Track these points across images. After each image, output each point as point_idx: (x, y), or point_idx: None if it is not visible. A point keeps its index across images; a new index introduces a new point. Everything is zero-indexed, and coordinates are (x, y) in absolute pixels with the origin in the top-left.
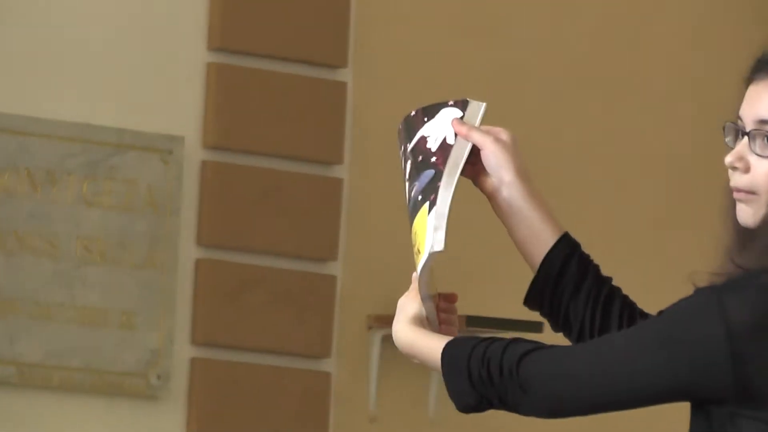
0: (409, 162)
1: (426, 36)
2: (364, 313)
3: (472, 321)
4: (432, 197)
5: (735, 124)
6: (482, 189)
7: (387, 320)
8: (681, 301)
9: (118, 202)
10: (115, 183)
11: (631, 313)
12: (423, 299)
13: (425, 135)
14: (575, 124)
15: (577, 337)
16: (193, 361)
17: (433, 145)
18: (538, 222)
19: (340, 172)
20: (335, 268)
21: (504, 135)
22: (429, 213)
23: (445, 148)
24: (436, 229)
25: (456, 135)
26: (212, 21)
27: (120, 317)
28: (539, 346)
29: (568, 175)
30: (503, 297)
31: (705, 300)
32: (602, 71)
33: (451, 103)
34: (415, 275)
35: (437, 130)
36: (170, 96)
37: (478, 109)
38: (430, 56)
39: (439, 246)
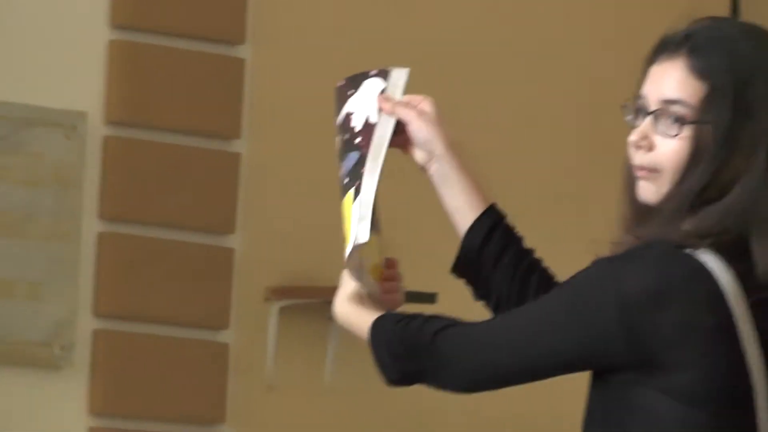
0: (338, 138)
1: (323, 12)
2: (262, 284)
3: None
4: (357, 183)
5: (637, 102)
6: (413, 158)
7: (284, 292)
8: (580, 272)
9: (24, 176)
10: (20, 157)
11: (547, 285)
12: (356, 280)
13: (350, 111)
14: (473, 98)
15: (495, 308)
16: (96, 333)
17: (357, 123)
18: (466, 194)
19: (239, 146)
20: (233, 241)
21: (428, 106)
22: (354, 200)
23: (368, 129)
24: (360, 219)
25: (380, 111)
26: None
27: (26, 289)
28: (452, 323)
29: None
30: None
31: (601, 271)
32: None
33: (373, 73)
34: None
35: (361, 105)
36: (74, 73)
37: (400, 76)
38: (327, 32)
39: (363, 238)
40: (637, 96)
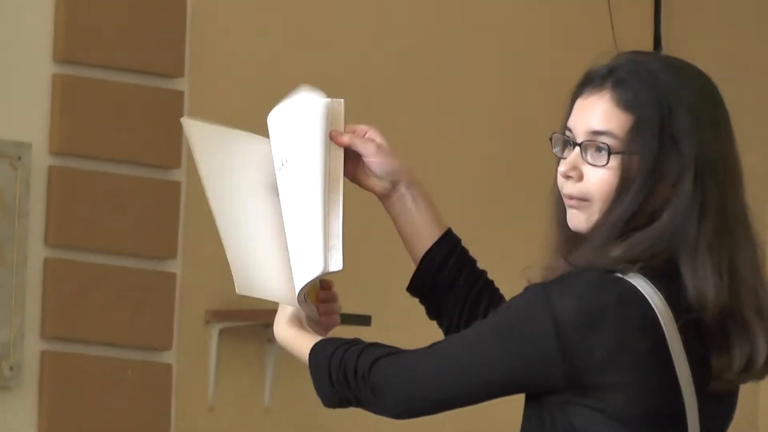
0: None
1: (258, 46)
2: (203, 308)
3: None
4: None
5: (563, 134)
6: (367, 188)
7: (224, 315)
8: (514, 298)
9: None
10: None
11: (496, 308)
12: (300, 304)
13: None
14: (405, 125)
15: (446, 330)
16: (43, 354)
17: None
18: (423, 222)
19: (178, 175)
20: (175, 266)
21: (377, 136)
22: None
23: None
24: (332, 248)
25: (330, 143)
26: (57, 34)
27: None
28: (391, 352)
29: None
30: (339, 291)
31: (534, 297)
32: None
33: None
34: None
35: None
36: (19, 105)
37: (338, 109)
38: (263, 64)
39: (337, 266)
40: (563, 128)
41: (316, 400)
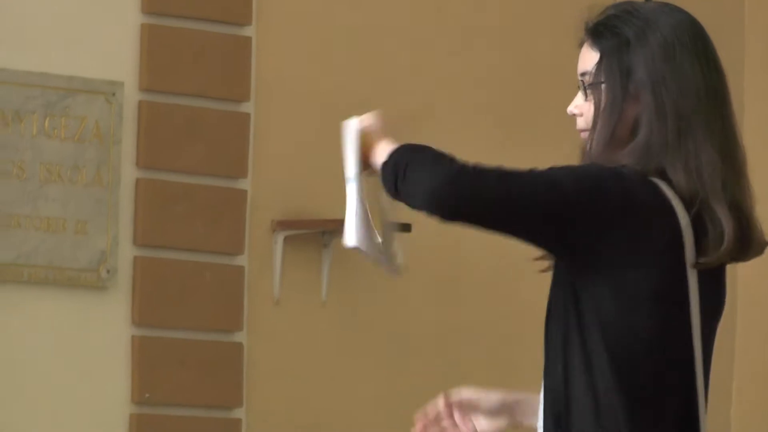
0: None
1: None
2: (269, 218)
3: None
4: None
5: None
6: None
7: (287, 224)
8: (582, 164)
9: (72, 134)
10: (69, 119)
11: None
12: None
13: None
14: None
15: None
16: (135, 259)
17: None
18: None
19: (247, 107)
20: (245, 184)
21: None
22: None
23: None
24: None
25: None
26: None
27: (76, 225)
28: (472, 164)
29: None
30: None
31: (606, 169)
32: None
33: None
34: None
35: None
36: (112, 50)
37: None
38: (323, 12)
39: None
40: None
41: (363, 296)
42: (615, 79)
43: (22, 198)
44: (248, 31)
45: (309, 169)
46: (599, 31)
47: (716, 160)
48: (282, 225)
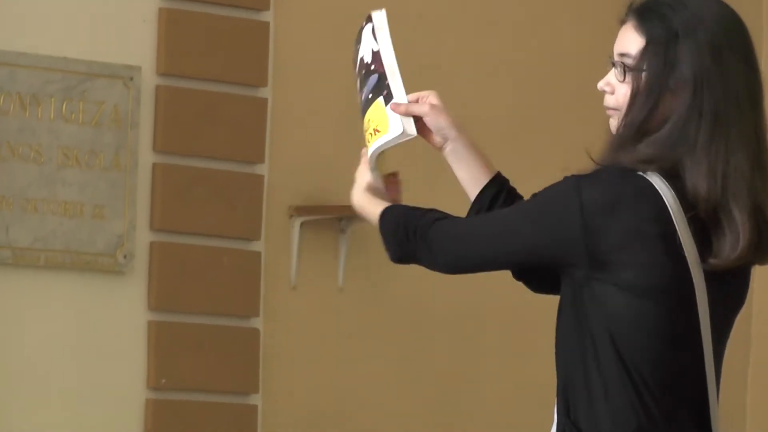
0: (357, 80)
1: None
2: (286, 204)
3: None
4: (384, 93)
5: (610, 57)
6: (430, 143)
7: (304, 210)
8: (551, 185)
9: (90, 118)
10: (87, 103)
11: None
12: (371, 169)
13: (360, 56)
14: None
15: None
16: (152, 244)
17: (368, 58)
18: (477, 166)
19: (265, 93)
20: (262, 169)
21: (434, 99)
22: (386, 105)
23: (376, 55)
24: (405, 115)
25: (377, 42)
26: None
27: (93, 209)
28: (448, 216)
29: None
30: None
31: (567, 185)
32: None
33: (363, 24)
34: (365, 150)
35: (365, 47)
36: (130, 35)
37: (381, 18)
38: (346, 3)
39: (413, 132)
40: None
41: (381, 282)
42: (658, 70)
43: (40, 182)
44: (266, 16)
45: (326, 154)
46: (647, 16)
47: (745, 166)
48: (299, 210)
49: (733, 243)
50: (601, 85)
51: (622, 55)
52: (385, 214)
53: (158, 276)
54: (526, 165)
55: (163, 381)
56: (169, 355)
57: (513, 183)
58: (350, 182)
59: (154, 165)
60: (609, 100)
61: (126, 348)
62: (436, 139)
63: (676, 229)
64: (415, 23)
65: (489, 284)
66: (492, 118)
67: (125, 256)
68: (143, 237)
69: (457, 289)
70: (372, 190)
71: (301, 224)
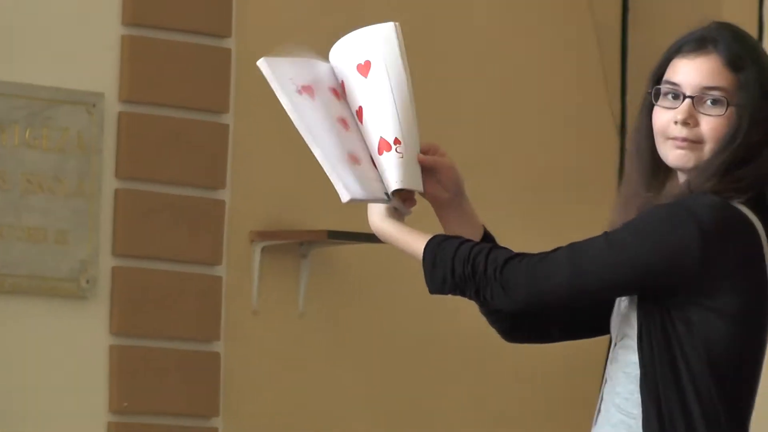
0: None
1: (296, 6)
2: (248, 229)
3: (334, 234)
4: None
5: (670, 88)
6: (431, 196)
7: (265, 235)
8: (649, 210)
9: (54, 144)
10: (50, 130)
11: None
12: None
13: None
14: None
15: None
16: (114, 269)
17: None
18: (468, 224)
19: (227, 119)
20: (224, 194)
21: (448, 157)
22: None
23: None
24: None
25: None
26: (125, 2)
27: (56, 235)
28: (519, 253)
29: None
30: (360, 214)
31: (673, 209)
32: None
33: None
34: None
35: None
36: (94, 62)
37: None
38: (299, 25)
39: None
40: (667, 83)
41: (341, 307)
42: (757, 105)
43: (4, 208)
44: (228, 43)
45: (287, 180)
46: (737, 51)
47: None
48: (260, 236)
49: None
50: (684, 117)
51: (708, 88)
52: (436, 245)
53: (120, 301)
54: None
55: (125, 404)
56: (131, 378)
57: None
58: (310, 207)
59: (117, 191)
60: (691, 133)
61: (88, 372)
62: (446, 195)
63: (765, 258)
64: None
65: (447, 310)
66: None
67: (88, 281)
68: (106, 262)
69: (416, 314)
70: (392, 213)
71: (263, 249)
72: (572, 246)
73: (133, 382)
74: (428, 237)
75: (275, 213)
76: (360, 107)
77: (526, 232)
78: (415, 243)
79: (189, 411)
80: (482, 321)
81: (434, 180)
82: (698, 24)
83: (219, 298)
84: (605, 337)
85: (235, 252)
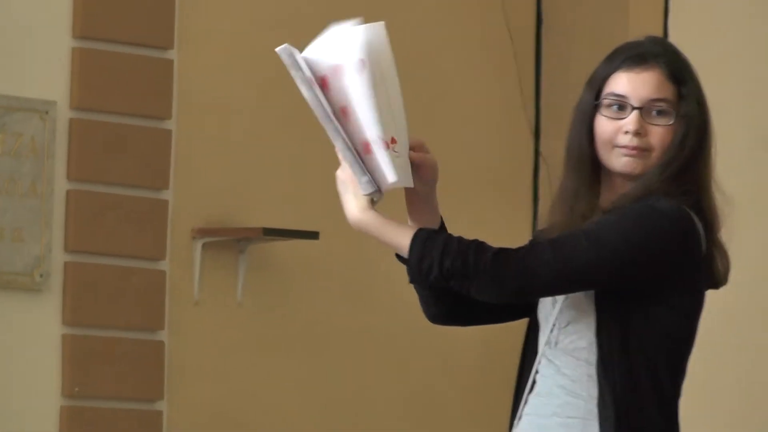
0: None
1: (237, 13)
2: (189, 227)
3: (269, 231)
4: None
5: (616, 99)
6: (413, 192)
7: (206, 232)
8: (621, 212)
9: (9, 149)
10: (6, 135)
11: None
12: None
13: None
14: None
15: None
16: (66, 264)
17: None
18: (431, 215)
19: (169, 125)
20: (167, 195)
21: (431, 154)
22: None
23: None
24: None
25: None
26: (75, 16)
27: (12, 233)
28: (502, 248)
29: None
30: (293, 212)
31: (645, 210)
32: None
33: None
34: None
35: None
36: (46, 72)
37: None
38: (241, 36)
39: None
40: (612, 95)
41: (276, 298)
42: (696, 115)
43: None
44: (170, 54)
45: (226, 181)
46: (677, 65)
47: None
48: (201, 232)
49: (725, 267)
50: (635, 128)
51: (654, 100)
52: (423, 238)
53: (72, 293)
54: None
55: (77, 389)
56: (82, 365)
57: None
58: (248, 206)
59: (68, 192)
60: (641, 142)
61: (42, 359)
62: (425, 189)
63: (702, 256)
64: None
65: (376, 302)
66: None
67: (42, 276)
68: (58, 258)
69: (346, 305)
70: (371, 205)
71: (203, 245)
72: (554, 243)
73: (84, 369)
74: (412, 230)
75: (215, 212)
76: (350, 103)
77: (448, 228)
78: (399, 236)
79: (136, 395)
80: (410, 312)
81: (417, 176)
82: (608, 32)
83: (163, 290)
84: (519, 324)
85: (178, 248)
